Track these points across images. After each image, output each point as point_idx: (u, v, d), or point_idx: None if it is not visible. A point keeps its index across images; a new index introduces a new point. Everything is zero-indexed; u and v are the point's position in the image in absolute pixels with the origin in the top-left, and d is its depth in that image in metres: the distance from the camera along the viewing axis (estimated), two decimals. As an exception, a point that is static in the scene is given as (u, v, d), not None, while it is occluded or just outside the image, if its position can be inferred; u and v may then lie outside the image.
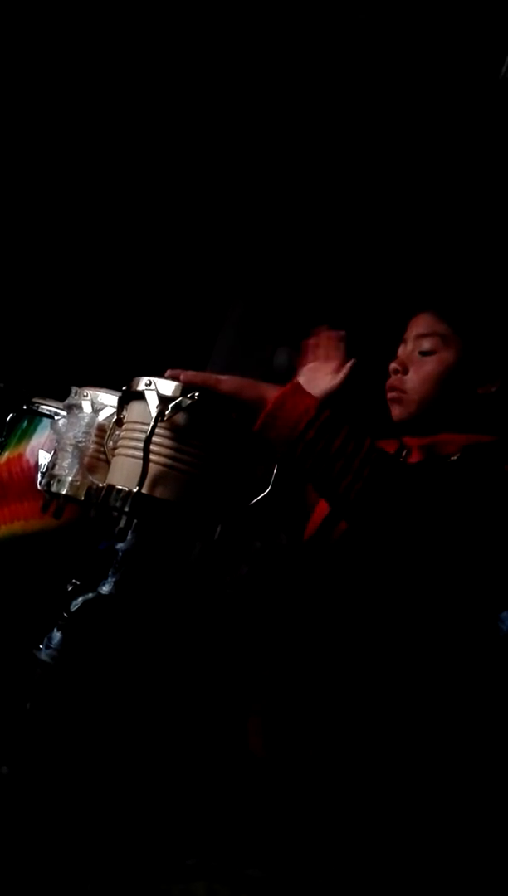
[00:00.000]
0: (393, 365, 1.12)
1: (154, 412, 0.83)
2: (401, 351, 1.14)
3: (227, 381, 0.86)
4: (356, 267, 2.58)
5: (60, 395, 1.25)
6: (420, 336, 1.10)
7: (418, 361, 1.09)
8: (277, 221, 2.69)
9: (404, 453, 1.10)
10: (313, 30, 2.02)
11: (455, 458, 1.00)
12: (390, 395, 1.13)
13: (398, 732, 0.93)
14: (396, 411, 1.12)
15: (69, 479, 1.05)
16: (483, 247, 2.27)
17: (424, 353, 1.09)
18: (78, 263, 2.61)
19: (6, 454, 1.30)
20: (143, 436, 0.83)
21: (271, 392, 0.86)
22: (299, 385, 0.88)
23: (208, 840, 0.88)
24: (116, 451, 0.92)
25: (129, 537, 1.05)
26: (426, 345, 1.09)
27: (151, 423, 0.83)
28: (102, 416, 1.05)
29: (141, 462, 0.83)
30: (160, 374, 0.88)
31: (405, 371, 1.11)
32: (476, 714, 0.96)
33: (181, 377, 0.86)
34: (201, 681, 1.02)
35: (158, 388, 0.85)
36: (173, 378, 0.85)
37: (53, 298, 2.59)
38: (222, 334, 2.86)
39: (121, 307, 2.66)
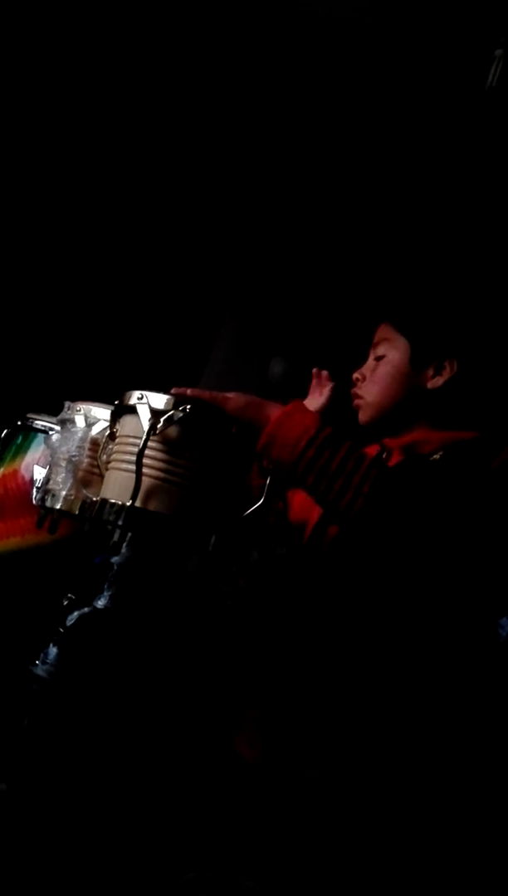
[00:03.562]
0: (355, 374, 1.17)
1: (146, 426, 0.84)
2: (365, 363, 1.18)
3: (233, 400, 0.88)
4: (345, 278, 2.59)
5: (54, 410, 1.25)
6: (376, 344, 1.15)
7: (373, 367, 1.14)
8: (269, 234, 2.71)
9: (384, 455, 1.12)
10: (302, 37, 2.04)
11: (437, 457, 1.01)
12: (353, 402, 1.17)
13: (398, 741, 0.93)
14: (360, 416, 1.16)
15: (63, 493, 1.05)
16: (439, 252, 2.29)
17: (378, 359, 1.13)
18: (71, 277, 2.61)
19: (1, 470, 1.30)
20: (135, 449, 0.84)
21: (274, 410, 0.88)
22: (299, 404, 0.90)
23: (207, 853, 0.88)
24: (110, 465, 0.92)
25: (123, 551, 1.05)
26: (380, 351, 1.13)
27: (144, 437, 0.83)
28: (95, 430, 1.06)
29: (134, 476, 0.83)
30: (155, 388, 0.89)
31: (364, 378, 1.15)
32: (476, 719, 0.96)
33: (188, 393, 0.87)
34: (198, 692, 1.02)
35: (149, 401, 0.85)
36: (180, 395, 0.86)
37: (46, 312, 2.59)
38: (216, 346, 2.87)
39: (115, 320, 2.67)
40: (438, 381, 1.09)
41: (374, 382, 1.12)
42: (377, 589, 0.95)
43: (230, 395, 0.89)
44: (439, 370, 1.10)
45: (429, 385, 1.10)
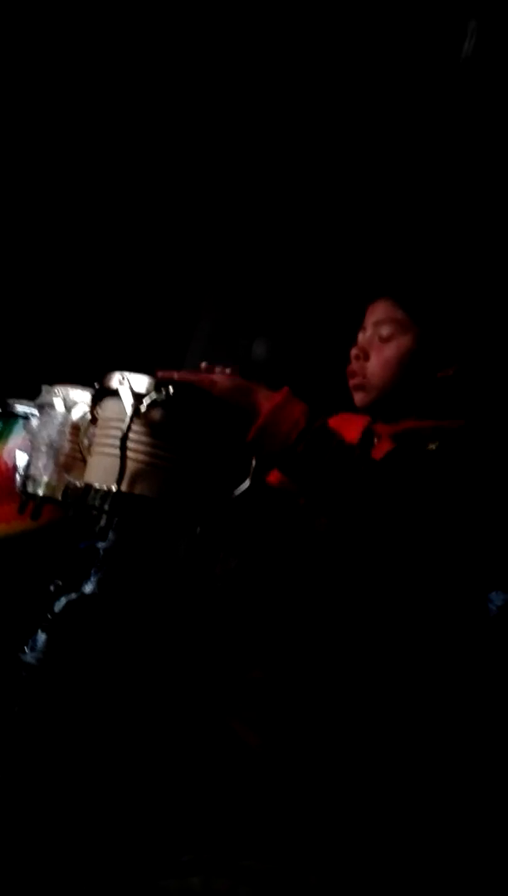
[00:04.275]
0: (354, 351, 1.14)
1: (129, 409, 0.82)
2: (361, 337, 1.15)
3: (220, 383, 0.87)
4: (324, 256, 2.57)
5: (35, 394, 1.23)
6: (379, 322, 1.12)
7: (377, 347, 1.11)
8: (246, 214, 2.67)
9: (375, 440, 1.11)
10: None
11: (434, 447, 1.01)
12: (352, 381, 1.15)
13: (392, 715, 0.94)
14: (359, 396, 1.14)
15: (45, 479, 1.04)
16: (438, 233, 2.28)
17: (383, 339, 1.10)
18: (48, 260, 2.56)
19: (-17, 457, 1.28)
20: (119, 433, 0.82)
21: (263, 399, 0.87)
22: (288, 394, 0.89)
23: (203, 834, 0.88)
24: (93, 450, 0.91)
25: (109, 535, 1.04)
26: (385, 331, 1.10)
27: (127, 421, 0.82)
28: (75, 414, 1.04)
29: (119, 460, 0.82)
30: (137, 369, 0.87)
31: (366, 357, 1.12)
32: (469, 694, 0.97)
33: (176, 376, 0.86)
34: (191, 674, 1.02)
35: (131, 384, 0.84)
36: (167, 378, 0.85)
37: (22, 294, 2.54)
38: (198, 327, 2.84)
39: (94, 302, 2.62)
40: (448, 372, 1.09)
41: (382, 365, 1.10)
42: (368, 573, 0.95)
43: (217, 377, 0.87)
44: (450, 361, 1.09)
45: (440, 374, 1.09)
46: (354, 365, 1.14)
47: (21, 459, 1.18)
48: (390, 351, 1.09)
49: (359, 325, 1.18)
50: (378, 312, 1.13)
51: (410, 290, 1.13)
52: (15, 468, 1.20)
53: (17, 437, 1.25)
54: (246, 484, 0.87)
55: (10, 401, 1.28)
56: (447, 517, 0.86)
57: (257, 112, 2.34)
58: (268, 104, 2.27)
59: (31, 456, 1.06)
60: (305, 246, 2.62)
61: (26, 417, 1.23)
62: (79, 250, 2.59)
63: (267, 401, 0.87)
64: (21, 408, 1.26)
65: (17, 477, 1.15)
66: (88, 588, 1.02)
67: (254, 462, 0.87)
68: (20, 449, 1.22)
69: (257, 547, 1.21)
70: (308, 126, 2.29)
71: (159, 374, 0.86)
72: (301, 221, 2.58)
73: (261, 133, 2.38)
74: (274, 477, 1.12)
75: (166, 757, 0.95)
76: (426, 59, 1.93)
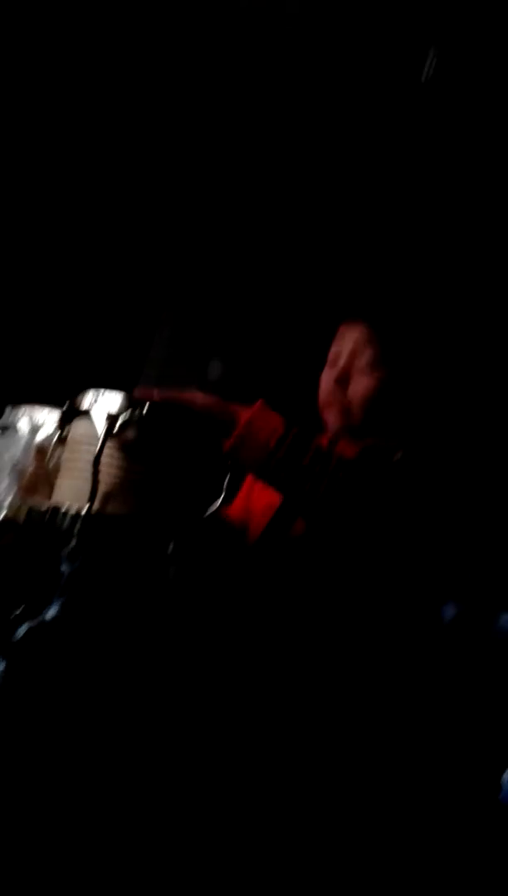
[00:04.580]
0: (333, 375, 1.14)
1: (102, 429, 0.81)
2: (339, 361, 1.16)
3: (200, 399, 0.90)
4: (281, 275, 2.60)
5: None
6: (358, 349, 1.14)
7: (359, 372, 1.13)
8: (204, 231, 2.69)
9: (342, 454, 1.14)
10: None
11: (398, 459, 1.03)
12: (329, 405, 1.15)
13: (375, 713, 0.95)
14: (335, 419, 1.14)
15: (7, 501, 1.01)
16: (406, 254, 2.34)
17: (365, 367, 1.12)
18: (3, 278, 2.52)
19: None
20: (90, 455, 0.81)
21: (241, 410, 0.90)
22: (264, 404, 0.92)
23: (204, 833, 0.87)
24: (62, 471, 0.89)
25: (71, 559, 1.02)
26: (365, 359, 1.12)
27: (100, 441, 0.81)
28: (40, 435, 1.02)
29: (89, 481, 0.81)
30: (95, 385, 0.87)
31: (346, 382, 1.13)
32: (434, 699, 1.00)
33: (155, 395, 0.88)
34: (168, 686, 1.00)
35: (104, 404, 0.83)
36: (146, 397, 0.86)
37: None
38: (154, 346, 2.83)
39: (52, 321, 2.58)
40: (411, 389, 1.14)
41: (364, 393, 1.12)
42: (337, 580, 0.97)
43: (196, 394, 0.89)
44: (408, 378, 1.14)
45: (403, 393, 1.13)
46: (332, 389, 1.14)
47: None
48: (372, 380, 1.12)
49: (320, 344, 1.20)
50: (356, 339, 1.14)
51: (384, 321, 1.16)
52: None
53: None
54: (219, 501, 0.87)
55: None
56: (408, 522, 0.89)
57: (220, 127, 2.36)
58: (236, 119, 2.30)
59: (-9, 478, 1.03)
60: (263, 266, 2.65)
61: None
62: (38, 273, 2.56)
63: (245, 411, 0.90)
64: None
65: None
66: (51, 613, 1.00)
67: (228, 478, 0.87)
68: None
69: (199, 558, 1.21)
70: (268, 146, 2.33)
71: (137, 393, 0.86)
72: (260, 240, 2.61)
73: (224, 148, 2.41)
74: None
75: (140, 786, 0.92)
76: (390, 81, 2.00)
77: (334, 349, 1.18)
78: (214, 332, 2.69)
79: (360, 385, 1.12)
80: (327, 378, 1.16)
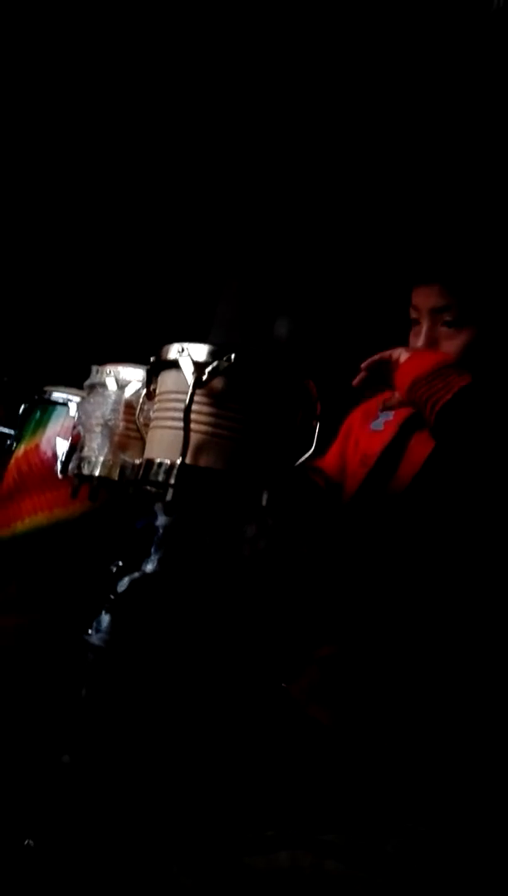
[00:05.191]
0: (422, 343, 1.12)
1: (191, 379, 0.80)
2: (420, 328, 1.13)
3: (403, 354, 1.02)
4: (351, 235, 2.52)
5: (69, 380, 1.22)
6: (437, 310, 1.11)
7: (446, 333, 1.11)
8: (271, 192, 2.64)
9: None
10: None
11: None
12: None
13: (459, 691, 0.92)
14: None
15: (101, 459, 1.02)
16: (478, 212, 2.21)
17: (449, 325, 1.11)
18: (72, 249, 2.56)
19: (22, 446, 1.27)
20: (181, 405, 0.80)
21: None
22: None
23: (285, 809, 0.87)
24: (152, 425, 0.89)
25: (166, 512, 1.03)
26: (448, 317, 1.11)
27: (189, 391, 0.80)
28: (128, 391, 1.02)
29: (181, 432, 0.80)
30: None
31: (436, 345, 1.12)
32: None
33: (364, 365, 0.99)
34: (257, 650, 1.01)
35: (191, 354, 0.82)
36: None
37: (48, 286, 2.54)
38: (219, 308, 2.82)
39: (117, 289, 2.62)
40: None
41: (458, 351, 1.10)
42: (440, 544, 0.94)
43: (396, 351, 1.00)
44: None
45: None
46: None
47: (61, 447, 1.18)
48: (463, 337, 1.10)
49: (385, 303, 1.17)
50: (433, 300, 1.12)
51: (461, 276, 1.12)
52: (55, 456, 1.19)
53: (56, 424, 1.24)
54: (311, 450, 0.85)
55: (47, 388, 1.27)
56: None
57: (274, 90, 2.29)
58: (289, 71, 2.22)
59: (83, 437, 1.05)
60: (329, 224, 2.58)
61: (65, 404, 1.22)
62: (106, 245, 2.59)
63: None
64: (58, 395, 1.25)
65: (60, 464, 1.15)
66: (150, 567, 1.01)
67: (317, 427, 0.85)
68: (60, 436, 1.21)
69: (289, 528, 1.20)
70: (331, 94, 2.24)
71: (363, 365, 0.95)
72: (331, 200, 2.53)
73: (283, 108, 2.34)
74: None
75: (240, 735, 0.94)
76: (457, 11, 1.87)
77: (412, 314, 1.15)
78: (280, 291, 2.64)
79: (450, 345, 1.11)
80: (414, 345, 1.13)
